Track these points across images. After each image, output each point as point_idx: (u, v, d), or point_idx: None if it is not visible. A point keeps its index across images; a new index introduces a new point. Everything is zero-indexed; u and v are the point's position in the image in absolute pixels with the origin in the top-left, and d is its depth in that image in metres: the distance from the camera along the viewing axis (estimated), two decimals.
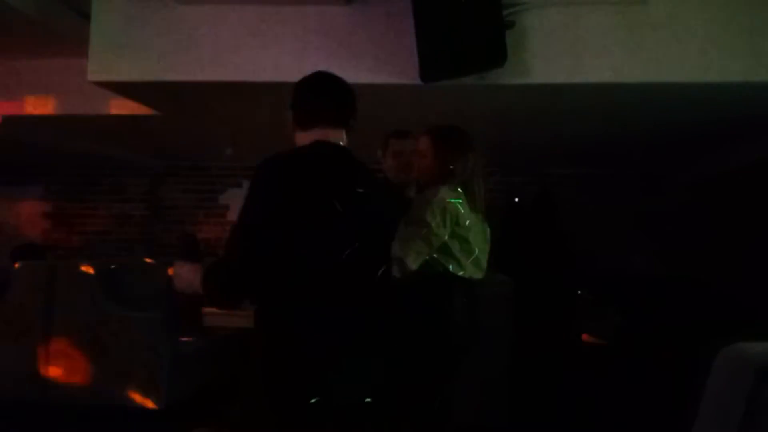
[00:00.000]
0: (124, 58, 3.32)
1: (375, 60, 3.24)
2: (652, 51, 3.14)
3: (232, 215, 6.14)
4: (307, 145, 1.73)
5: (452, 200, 2.30)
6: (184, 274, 1.71)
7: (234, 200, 6.15)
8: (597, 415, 3.63)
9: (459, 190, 2.34)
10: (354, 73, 3.22)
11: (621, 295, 4.51)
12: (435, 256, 2.29)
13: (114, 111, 4.07)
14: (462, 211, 2.31)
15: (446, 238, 2.29)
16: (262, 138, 4.84)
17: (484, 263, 2.43)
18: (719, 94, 3.37)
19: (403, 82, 3.21)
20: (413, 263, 2.24)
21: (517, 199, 5.69)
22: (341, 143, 1.76)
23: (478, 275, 2.39)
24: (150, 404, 4.25)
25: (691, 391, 1.44)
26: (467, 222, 2.33)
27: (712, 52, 3.11)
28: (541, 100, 3.59)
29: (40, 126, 4.30)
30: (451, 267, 2.32)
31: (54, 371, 4.31)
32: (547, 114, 3.93)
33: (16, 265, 4.32)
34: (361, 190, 1.71)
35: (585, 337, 4.47)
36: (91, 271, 4.50)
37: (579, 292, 4.84)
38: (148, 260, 5.70)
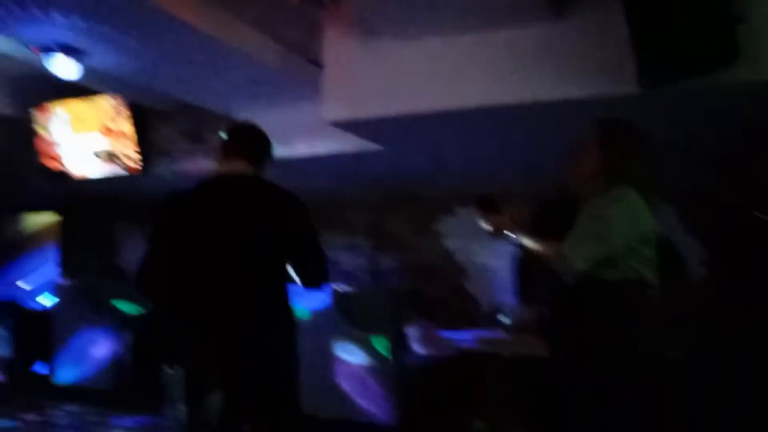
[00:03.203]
0: (352, 97, 3.68)
1: (584, 73, 3.18)
2: None
3: (449, 243, 6.34)
4: (203, 179, 2.33)
5: (637, 201, 2.08)
6: None
7: (449, 228, 6.35)
8: None
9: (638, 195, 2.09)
10: (564, 88, 3.22)
11: None
12: (626, 260, 2.06)
13: (342, 149, 4.48)
14: (647, 212, 2.09)
15: (632, 241, 2.05)
16: (473, 164, 5.01)
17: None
18: None
19: (618, 93, 3.11)
20: (581, 262, 2.03)
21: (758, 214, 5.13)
22: (243, 172, 2.34)
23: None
24: (382, 419, 4.54)
25: None
26: (653, 225, 2.10)
27: None
28: None
29: (280, 166, 4.87)
30: (644, 273, 2.07)
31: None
32: None
33: None
34: (247, 206, 2.26)
35: None
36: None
37: None
38: (374, 287, 6.12)
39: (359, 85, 3.66)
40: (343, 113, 3.70)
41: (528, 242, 2.25)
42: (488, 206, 2.22)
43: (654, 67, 2.84)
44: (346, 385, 4.69)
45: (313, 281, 2.39)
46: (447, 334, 4.60)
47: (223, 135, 2.44)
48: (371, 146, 4.31)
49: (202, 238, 2.20)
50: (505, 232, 2.26)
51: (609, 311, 2.06)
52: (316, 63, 3.83)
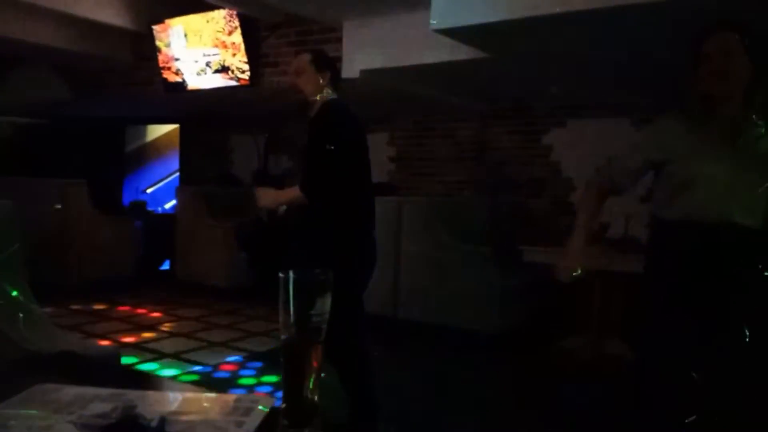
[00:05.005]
0: (462, 5, 3.54)
1: None
2: None
3: (556, 156, 6.15)
4: (338, 99, 2.67)
5: None
6: (268, 195, 2.66)
7: (557, 141, 6.13)
8: None
9: None
10: None
11: None
12: None
13: (449, 58, 4.37)
14: None
15: None
16: (587, 73, 4.74)
17: None
18: None
19: None
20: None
21: None
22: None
23: None
24: (483, 329, 4.64)
25: None
26: None
27: None
28: None
29: (387, 76, 4.85)
30: None
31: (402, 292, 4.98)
32: None
33: None
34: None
35: None
36: (430, 206, 5.03)
37: None
38: (476, 197, 6.09)
39: None
40: (450, 20, 3.58)
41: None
42: None
43: None
44: (444, 294, 4.77)
45: None
46: (549, 248, 4.55)
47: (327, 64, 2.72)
48: (479, 54, 4.17)
49: (363, 155, 2.68)
50: None
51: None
52: None
